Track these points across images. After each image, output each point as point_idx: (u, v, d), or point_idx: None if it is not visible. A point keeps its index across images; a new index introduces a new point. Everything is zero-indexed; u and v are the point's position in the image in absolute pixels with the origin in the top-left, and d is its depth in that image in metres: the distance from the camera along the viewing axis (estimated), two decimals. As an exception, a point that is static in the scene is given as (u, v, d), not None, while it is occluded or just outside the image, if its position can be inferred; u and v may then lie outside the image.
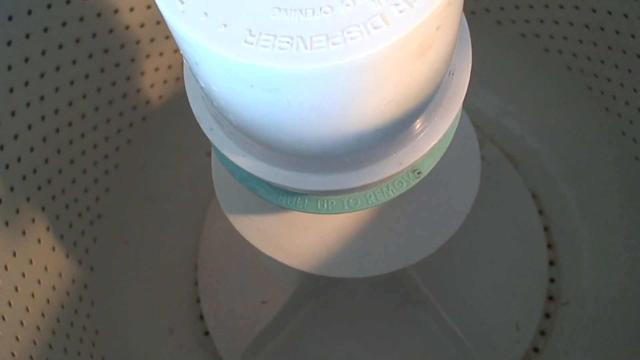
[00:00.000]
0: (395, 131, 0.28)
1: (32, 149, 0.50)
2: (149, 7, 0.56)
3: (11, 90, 0.47)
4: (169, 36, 0.59)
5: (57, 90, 0.52)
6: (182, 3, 0.23)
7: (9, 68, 0.47)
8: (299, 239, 0.44)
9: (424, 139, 0.30)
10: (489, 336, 0.61)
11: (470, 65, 0.31)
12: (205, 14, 0.23)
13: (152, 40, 0.58)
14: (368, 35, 0.22)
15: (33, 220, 0.50)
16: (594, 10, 0.55)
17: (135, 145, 0.63)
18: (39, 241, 0.51)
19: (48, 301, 0.50)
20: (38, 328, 0.48)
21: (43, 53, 0.49)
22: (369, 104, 0.24)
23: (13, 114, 0.48)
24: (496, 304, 0.62)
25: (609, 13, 0.53)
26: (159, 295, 0.64)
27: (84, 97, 0.55)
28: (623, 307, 0.59)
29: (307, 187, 0.30)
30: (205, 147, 0.67)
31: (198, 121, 0.31)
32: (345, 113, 0.25)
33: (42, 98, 0.50)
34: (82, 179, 0.57)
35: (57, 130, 0.53)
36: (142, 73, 0.60)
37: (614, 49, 0.55)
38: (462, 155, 0.46)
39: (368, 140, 0.27)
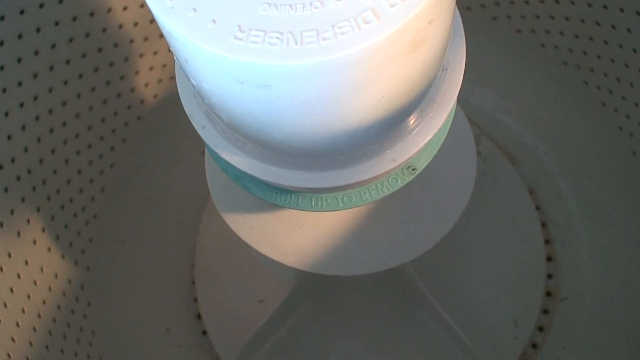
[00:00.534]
0: (389, 127, 0.28)
1: (26, 150, 0.50)
2: (142, 5, 0.55)
3: (4, 90, 0.47)
4: (162, 35, 0.59)
5: (50, 90, 0.51)
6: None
7: (2, 68, 0.46)
8: (294, 237, 0.43)
9: (418, 134, 0.30)
10: (487, 333, 0.61)
11: (464, 60, 0.31)
12: (194, 9, 0.22)
13: (145, 39, 0.58)
14: (359, 30, 0.21)
15: (28, 221, 0.50)
16: (589, 5, 0.54)
17: (131, 145, 0.62)
18: (35, 242, 0.50)
19: (44, 302, 0.50)
20: (34, 329, 0.48)
21: (36, 53, 0.49)
22: (362, 99, 0.24)
23: (7, 114, 0.47)
24: (494, 301, 0.62)
25: (605, 7, 0.53)
26: (156, 295, 0.64)
27: (78, 96, 0.54)
28: (621, 302, 0.59)
29: (301, 185, 0.30)
30: (201, 146, 0.67)
31: (190, 119, 0.31)
32: (337, 109, 0.24)
33: (35, 98, 0.50)
34: (77, 179, 0.56)
35: (52, 131, 0.52)
36: (137, 72, 0.59)
37: (610, 43, 0.55)
38: (458, 152, 0.45)
39: (361, 136, 0.27)
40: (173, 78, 0.63)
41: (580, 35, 0.58)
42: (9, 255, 0.47)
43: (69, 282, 0.54)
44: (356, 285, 0.58)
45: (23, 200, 0.49)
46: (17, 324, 0.46)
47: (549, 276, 0.64)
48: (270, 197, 0.35)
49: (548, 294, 0.64)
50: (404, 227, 0.43)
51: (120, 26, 0.55)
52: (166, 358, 0.61)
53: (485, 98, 0.70)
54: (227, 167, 0.33)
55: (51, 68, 0.51)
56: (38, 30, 0.48)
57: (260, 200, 0.35)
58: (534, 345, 0.62)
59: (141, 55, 0.59)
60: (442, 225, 0.43)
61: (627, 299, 0.58)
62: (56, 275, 0.53)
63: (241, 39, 0.22)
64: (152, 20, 0.57)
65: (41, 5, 0.48)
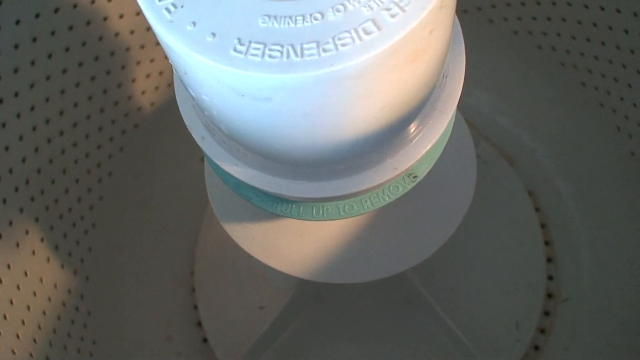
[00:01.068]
0: (390, 136, 0.28)
1: (24, 160, 0.50)
2: (138, 13, 0.55)
3: (1, 101, 0.47)
4: (159, 42, 0.59)
5: (47, 100, 0.51)
6: (170, 13, 0.23)
7: (-2, 79, 0.46)
8: (295, 246, 0.43)
9: (419, 143, 0.30)
10: (489, 336, 0.60)
11: (464, 67, 0.31)
12: (194, 23, 0.22)
13: (142, 46, 0.58)
14: (360, 42, 0.21)
15: (27, 232, 0.50)
16: (586, 7, 0.54)
17: (128, 153, 0.62)
18: (34, 252, 0.50)
19: (44, 313, 0.50)
20: (35, 340, 0.47)
21: (32, 63, 0.49)
22: (363, 110, 0.24)
23: (4, 125, 0.47)
24: (495, 303, 0.62)
25: (602, 9, 0.53)
26: (156, 303, 0.64)
27: (75, 105, 0.54)
28: (622, 302, 0.59)
29: (302, 195, 0.30)
30: (199, 152, 0.67)
31: (189, 130, 0.31)
32: (338, 120, 0.24)
33: (32, 108, 0.50)
34: (75, 188, 0.56)
35: (49, 140, 0.52)
36: (133, 80, 0.59)
37: (608, 44, 0.55)
38: (458, 156, 0.45)
39: (362, 146, 0.26)
40: (170, 85, 0.63)
41: (577, 36, 0.58)
42: (8, 266, 0.47)
43: (69, 292, 0.54)
44: (357, 290, 0.58)
45: (22, 210, 0.49)
46: (17, 336, 0.45)
47: (550, 277, 0.64)
48: (270, 206, 0.34)
49: (549, 295, 0.63)
50: (406, 234, 0.43)
51: (117, 34, 0.55)
52: (167, 366, 0.61)
53: (482, 100, 0.70)
54: (226, 177, 0.33)
55: (48, 78, 0.51)
56: (34, 40, 0.48)
57: (260, 210, 0.35)
58: (536, 347, 0.62)
59: (138, 63, 0.59)
60: (444, 232, 0.43)
61: (628, 299, 0.58)
62: (56, 286, 0.52)
63: (241, 52, 0.22)
64: (149, 28, 0.57)
65: (37, 15, 0.48)
